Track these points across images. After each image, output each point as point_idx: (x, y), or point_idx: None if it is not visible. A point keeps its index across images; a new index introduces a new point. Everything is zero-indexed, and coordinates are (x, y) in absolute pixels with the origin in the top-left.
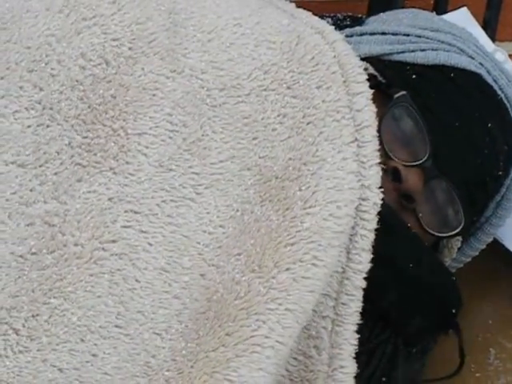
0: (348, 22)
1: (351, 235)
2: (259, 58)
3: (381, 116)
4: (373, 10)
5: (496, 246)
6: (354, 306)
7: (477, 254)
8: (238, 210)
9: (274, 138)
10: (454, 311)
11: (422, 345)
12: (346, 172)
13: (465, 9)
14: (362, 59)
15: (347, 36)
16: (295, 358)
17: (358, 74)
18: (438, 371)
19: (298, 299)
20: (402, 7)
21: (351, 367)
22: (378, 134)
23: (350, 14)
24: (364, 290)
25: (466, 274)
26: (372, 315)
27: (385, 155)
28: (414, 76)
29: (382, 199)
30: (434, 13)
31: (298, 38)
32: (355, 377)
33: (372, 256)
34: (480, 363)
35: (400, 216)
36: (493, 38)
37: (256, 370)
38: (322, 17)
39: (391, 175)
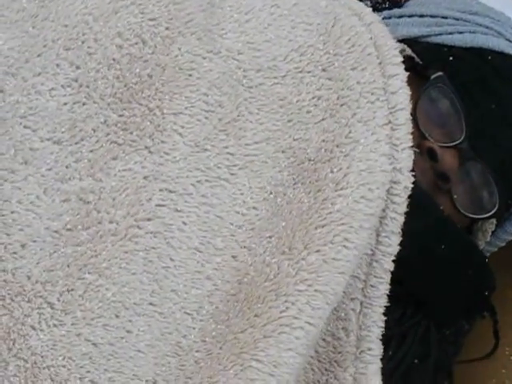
0: (387, 5)
1: (381, 218)
2: (296, 39)
3: (417, 96)
4: None
5: None
6: (383, 288)
7: (511, 238)
8: (271, 193)
9: (309, 120)
10: (487, 293)
11: (456, 327)
12: (378, 154)
13: None
14: (400, 41)
15: (385, 18)
16: (324, 340)
17: (394, 55)
18: (472, 353)
19: (328, 281)
20: None
21: (378, 349)
22: (411, 117)
23: None
24: (396, 272)
25: (501, 256)
26: (403, 298)
27: (421, 136)
28: (451, 58)
29: (416, 181)
30: None
31: (335, 20)
32: (388, 359)
33: (405, 238)
34: None
35: (433, 197)
36: None
37: (285, 350)
38: (361, 0)
39: (427, 155)
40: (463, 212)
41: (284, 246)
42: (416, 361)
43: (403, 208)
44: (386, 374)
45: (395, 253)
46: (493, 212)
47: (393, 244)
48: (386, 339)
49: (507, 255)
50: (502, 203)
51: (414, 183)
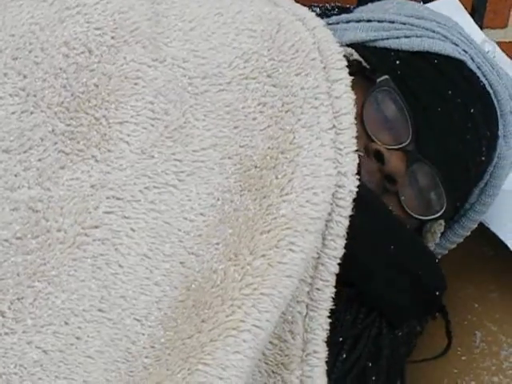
0: (336, 12)
1: (327, 221)
2: (240, 46)
3: (364, 99)
4: (362, 3)
5: (482, 229)
6: (328, 291)
7: (461, 240)
8: (218, 199)
9: (254, 127)
10: (438, 293)
11: (408, 328)
12: (323, 159)
13: None
14: (348, 45)
15: (333, 23)
16: (271, 342)
17: (338, 60)
18: (425, 353)
19: (275, 284)
20: None
21: (324, 352)
22: (357, 120)
23: (338, 4)
24: (347, 273)
25: (452, 257)
26: (355, 300)
27: (367, 138)
28: (397, 62)
29: (363, 183)
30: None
31: (279, 26)
32: (342, 362)
33: (355, 238)
34: (466, 346)
35: (381, 199)
36: (481, 25)
37: (232, 353)
38: (310, 6)
39: (374, 157)
40: (410, 213)
41: (230, 253)
42: (369, 363)
43: (348, 211)
44: (340, 376)
45: (340, 256)
46: (440, 213)
47: (338, 247)
48: (339, 342)
49: (457, 256)
50: (450, 204)
51: (361, 184)
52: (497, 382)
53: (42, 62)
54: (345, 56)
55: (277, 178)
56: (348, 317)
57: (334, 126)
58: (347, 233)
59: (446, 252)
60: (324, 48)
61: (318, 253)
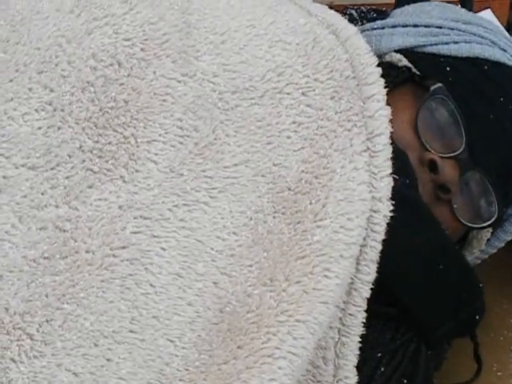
0: (373, 15)
1: (362, 246)
2: (273, 59)
3: (417, 107)
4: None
5: None
6: (361, 316)
7: (503, 245)
8: (251, 218)
9: (289, 146)
10: (477, 317)
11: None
12: (356, 183)
13: (489, 11)
14: (396, 51)
15: (378, 28)
16: (305, 369)
17: (369, 74)
18: (460, 373)
19: (310, 310)
20: None
21: (354, 377)
22: (391, 141)
23: (373, 7)
24: (389, 293)
25: (487, 271)
26: (395, 317)
27: (421, 147)
28: (448, 68)
29: (419, 194)
30: None
31: (314, 42)
32: (379, 375)
33: (404, 254)
34: (502, 362)
35: (435, 218)
36: None
37: (268, 380)
38: (345, 8)
39: (428, 167)
40: (463, 221)
41: (265, 278)
42: (405, 380)
43: (382, 236)
44: None
45: (372, 280)
46: (492, 221)
47: (371, 272)
48: (377, 357)
49: (492, 271)
50: (500, 211)
51: (418, 199)
52: None
53: (69, 76)
54: (393, 63)
55: (311, 203)
56: (387, 334)
57: (368, 149)
58: (394, 251)
59: (486, 257)
60: (356, 63)
61: (351, 278)
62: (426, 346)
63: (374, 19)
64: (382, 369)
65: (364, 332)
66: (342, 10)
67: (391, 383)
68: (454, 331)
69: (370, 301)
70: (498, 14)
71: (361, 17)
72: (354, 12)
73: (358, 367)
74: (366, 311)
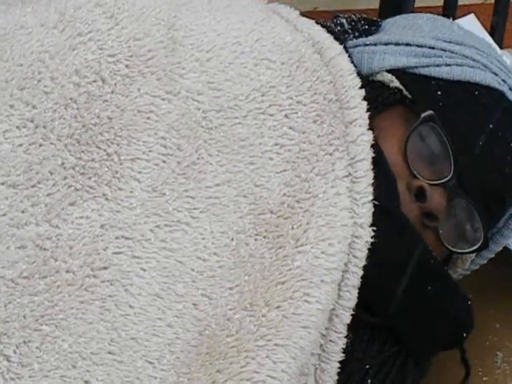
0: (364, 26)
1: (343, 272)
2: (258, 78)
3: (407, 134)
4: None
5: (503, 250)
6: (341, 342)
7: (485, 262)
8: (232, 239)
9: (271, 168)
10: (464, 335)
11: None
12: (338, 209)
13: (472, 15)
14: (388, 71)
15: (371, 44)
16: None
17: (352, 97)
18: (446, 378)
19: (289, 335)
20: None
21: None
22: (372, 167)
23: (364, 16)
24: (379, 306)
25: (472, 278)
26: (382, 329)
27: (410, 173)
28: (439, 92)
29: (407, 218)
30: None
31: (299, 62)
32: None
33: (392, 273)
34: (488, 367)
35: (421, 237)
36: (500, 44)
37: None
38: (336, 17)
39: (416, 194)
40: (448, 247)
41: (246, 302)
42: None
43: (363, 262)
44: None
45: (353, 306)
46: (478, 246)
47: (352, 298)
48: (364, 369)
49: (478, 277)
50: (486, 237)
51: (404, 221)
52: None
53: (51, 92)
54: (384, 83)
55: (292, 228)
56: (374, 346)
57: (349, 174)
58: (380, 266)
59: (468, 273)
60: (339, 85)
61: (333, 304)
62: (413, 360)
63: (365, 31)
64: (369, 381)
65: (350, 345)
66: (331, 18)
67: None
68: (441, 347)
69: (356, 308)
70: (481, 19)
71: (352, 27)
72: (344, 22)
73: (345, 380)
74: (353, 319)
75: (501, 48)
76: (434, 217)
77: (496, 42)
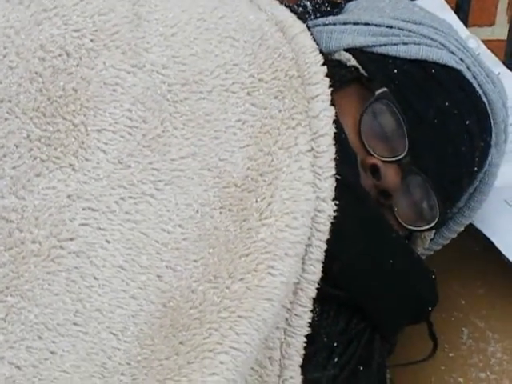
0: (328, 8)
1: (307, 246)
2: (222, 55)
3: (362, 111)
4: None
5: (467, 225)
6: (307, 317)
7: (447, 242)
8: (197, 211)
9: (235, 143)
10: (430, 309)
11: None
12: (302, 183)
13: None
14: (346, 50)
15: (330, 24)
16: (252, 368)
17: (314, 73)
18: (412, 353)
19: (253, 307)
20: None
21: (298, 377)
22: (334, 142)
23: None
24: (343, 280)
25: (438, 254)
26: (348, 306)
27: (365, 151)
28: (395, 71)
29: (368, 194)
30: None
31: (261, 40)
32: (332, 365)
33: (354, 249)
34: (453, 343)
35: (381, 211)
36: (465, 22)
37: (209, 374)
38: (300, 0)
39: (370, 172)
40: (404, 224)
41: (210, 274)
42: (360, 367)
43: (326, 235)
44: (330, 379)
45: (318, 280)
46: (433, 224)
47: (317, 272)
48: (331, 346)
49: (443, 253)
50: (442, 214)
51: (365, 194)
52: (484, 378)
53: (16, 67)
54: (341, 62)
55: (256, 201)
56: (340, 323)
57: (312, 149)
58: (342, 239)
59: (431, 253)
60: (301, 62)
61: (297, 278)
62: (380, 335)
63: (327, 13)
64: (336, 359)
65: (316, 320)
66: (296, 0)
67: (346, 372)
68: (407, 322)
69: (322, 282)
70: None
71: (315, 9)
72: (308, 4)
73: (311, 357)
74: (318, 294)
75: (466, 26)
76: (389, 194)
77: (461, 19)
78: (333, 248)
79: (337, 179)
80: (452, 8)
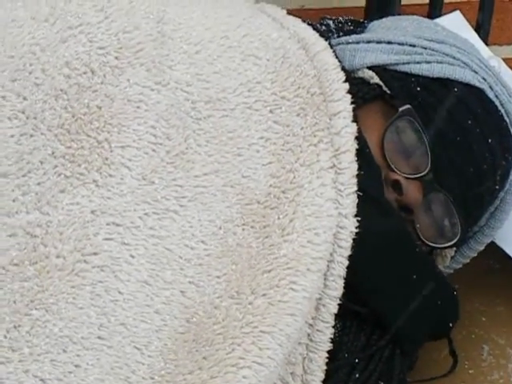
0: (351, 27)
1: (329, 262)
2: (245, 73)
3: (385, 128)
4: (369, 18)
5: (488, 243)
6: (329, 332)
7: (468, 261)
8: (220, 227)
9: (257, 160)
10: (450, 325)
11: None
12: (324, 199)
13: (458, 12)
14: (369, 68)
15: (353, 42)
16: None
17: (336, 90)
18: (433, 369)
19: (275, 322)
20: (398, 14)
21: None
22: (356, 159)
23: (351, 17)
24: (365, 295)
25: (458, 271)
26: (369, 321)
27: (387, 167)
28: (418, 88)
29: (393, 207)
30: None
31: (283, 58)
32: (353, 381)
33: (380, 268)
34: (473, 360)
35: (409, 230)
36: (486, 41)
37: None
38: (323, 19)
39: (392, 187)
40: (426, 241)
41: (233, 290)
42: (381, 382)
43: (348, 252)
44: None
45: (339, 296)
46: (455, 241)
47: (339, 287)
48: (352, 362)
49: (463, 270)
50: (463, 232)
51: (390, 208)
52: None
53: (42, 84)
54: (365, 79)
55: (279, 217)
56: (362, 338)
57: (334, 165)
58: (364, 254)
59: (452, 271)
60: (323, 79)
61: (320, 294)
62: (400, 351)
63: (350, 31)
64: (357, 374)
65: (338, 335)
66: (318, 19)
67: None
68: (428, 338)
69: (343, 298)
70: (467, 16)
71: (337, 28)
72: (330, 22)
73: (333, 373)
74: (339, 310)
75: (486, 44)
76: (410, 210)
77: (482, 38)
78: (355, 263)
79: (361, 193)
80: (473, 27)
